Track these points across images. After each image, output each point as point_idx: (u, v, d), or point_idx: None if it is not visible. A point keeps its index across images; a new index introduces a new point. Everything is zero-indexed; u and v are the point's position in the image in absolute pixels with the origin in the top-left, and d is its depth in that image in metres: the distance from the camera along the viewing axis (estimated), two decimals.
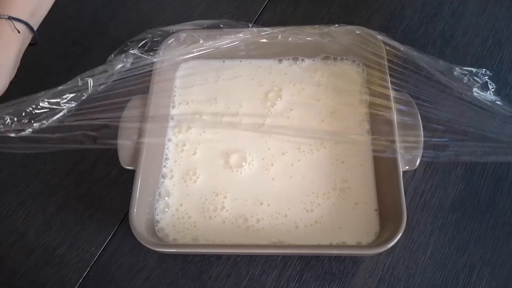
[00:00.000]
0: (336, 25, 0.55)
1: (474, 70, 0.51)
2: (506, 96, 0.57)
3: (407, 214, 0.44)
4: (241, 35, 0.57)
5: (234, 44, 0.58)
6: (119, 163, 0.50)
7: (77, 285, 0.49)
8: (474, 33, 0.62)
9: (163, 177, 0.52)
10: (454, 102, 0.50)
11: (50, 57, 0.64)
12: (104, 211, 0.52)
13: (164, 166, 0.53)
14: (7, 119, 0.46)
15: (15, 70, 0.49)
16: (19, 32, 0.47)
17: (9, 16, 0.46)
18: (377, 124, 0.52)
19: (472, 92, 0.50)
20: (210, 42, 0.58)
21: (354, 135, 0.53)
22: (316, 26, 0.55)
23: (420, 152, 0.49)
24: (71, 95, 0.49)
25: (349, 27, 0.55)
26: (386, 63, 0.53)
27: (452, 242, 0.49)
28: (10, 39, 0.47)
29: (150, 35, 0.54)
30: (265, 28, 0.56)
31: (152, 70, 0.54)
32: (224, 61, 0.59)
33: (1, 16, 0.46)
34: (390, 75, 0.52)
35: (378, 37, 0.54)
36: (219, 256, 0.49)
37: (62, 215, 0.52)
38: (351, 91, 0.56)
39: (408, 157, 0.48)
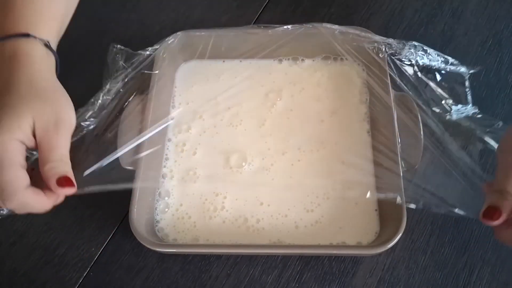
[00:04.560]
0: (336, 25, 0.55)
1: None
2: (506, 96, 0.57)
3: (407, 214, 0.44)
4: (241, 34, 0.57)
5: (234, 43, 0.58)
6: (119, 163, 0.50)
7: (77, 285, 0.49)
8: (474, 33, 0.62)
9: (163, 177, 0.52)
10: None
11: None
12: (104, 211, 0.52)
13: (164, 166, 0.53)
14: None
15: None
16: (55, 59, 0.44)
17: (46, 43, 0.43)
18: (377, 124, 0.52)
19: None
20: (210, 42, 0.58)
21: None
22: (316, 25, 0.55)
23: (420, 151, 0.49)
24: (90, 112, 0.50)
25: (349, 27, 0.55)
26: (386, 63, 0.53)
27: (452, 242, 0.49)
28: (51, 65, 0.44)
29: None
30: (265, 27, 0.56)
31: (152, 70, 0.55)
32: (224, 61, 0.59)
33: (36, 37, 0.42)
34: (390, 75, 0.52)
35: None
36: (219, 256, 0.49)
37: (62, 215, 0.52)
38: (351, 91, 0.56)
39: (408, 157, 0.48)
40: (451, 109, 0.52)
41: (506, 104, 0.56)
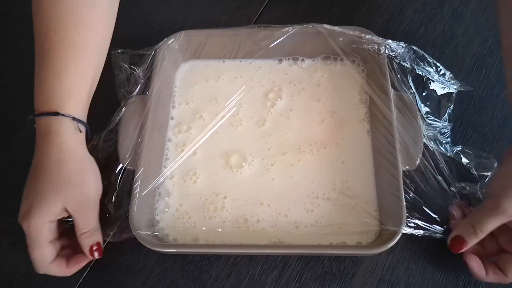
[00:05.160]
0: (336, 26, 0.55)
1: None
2: (506, 96, 0.57)
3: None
4: (241, 34, 0.57)
5: (234, 43, 0.58)
6: (119, 163, 0.50)
7: (77, 284, 0.49)
8: (474, 33, 0.62)
9: (163, 177, 0.52)
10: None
11: None
12: (104, 211, 0.52)
13: (164, 166, 0.53)
14: None
15: None
16: (80, 131, 0.47)
17: (73, 117, 0.46)
18: (377, 124, 0.52)
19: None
20: (210, 42, 0.58)
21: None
22: (316, 26, 0.55)
23: (420, 151, 0.49)
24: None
25: (349, 27, 0.55)
26: (386, 63, 0.53)
27: None
28: (80, 137, 0.47)
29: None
30: (265, 27, 0.56)
31: (152, 70, 0.55)
32: (224, 61, 0.59)
33: (65, 115, 0.45)
34: (390, 76, 0.52)
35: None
36: (219, 256, 0.49)
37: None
38: (351, 91, 0.56)
39: (408, 157, 0.48)
40: (425, 119, 0.52)
41: (506, 104, 0.56)
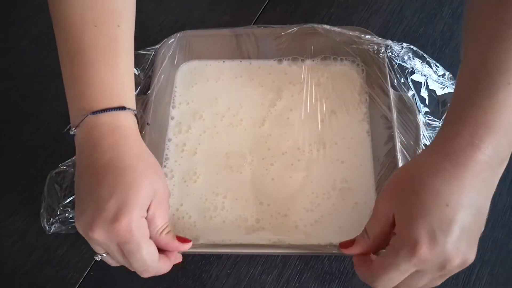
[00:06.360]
0: (336, 26, 0.55)
1: None
2: None
3: None
4: (241, 34, 0.57)
5: (234, 44, 0.58)
6: None
7: (78, 284, 0.49)
8: None
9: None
10: None
11: (50, 58, 0.64)
12: None
13: (165, 166, 0.53)
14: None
15: None
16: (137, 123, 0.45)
17: (135, 112, 0.44)
18: (377, 124, 0.53)
19: None
20: (211, 42, 0.58)
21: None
22: (316, 26, 0.56)
23: (420, 151, 0.49)
24: None
25: (349, 28, 0.55)
26: (385, 63, 0.53)
27: None
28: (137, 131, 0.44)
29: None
30: (265, 27, 0.56)
31: (152, 70, 0.55)
32: (224, 61, 0.59)
33: (131, 110, 0.43)
34: (389, 76, 0.53)
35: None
36: (219, 256, 0.49)
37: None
38: (351, 91, 0.56)
39: (408, 157, 0.49)
40: (425, 120, 0.53)
41: None
